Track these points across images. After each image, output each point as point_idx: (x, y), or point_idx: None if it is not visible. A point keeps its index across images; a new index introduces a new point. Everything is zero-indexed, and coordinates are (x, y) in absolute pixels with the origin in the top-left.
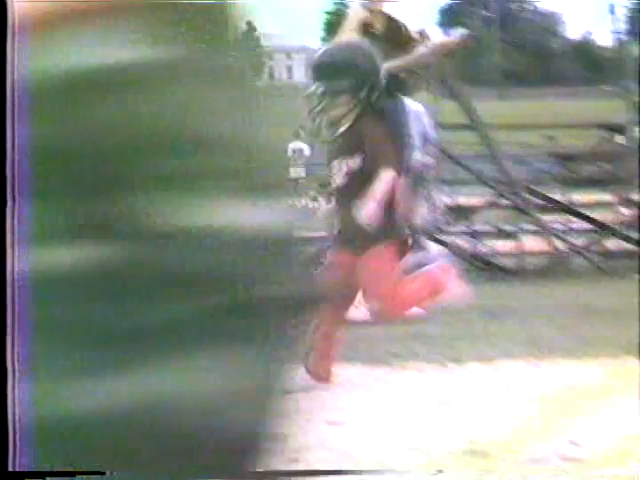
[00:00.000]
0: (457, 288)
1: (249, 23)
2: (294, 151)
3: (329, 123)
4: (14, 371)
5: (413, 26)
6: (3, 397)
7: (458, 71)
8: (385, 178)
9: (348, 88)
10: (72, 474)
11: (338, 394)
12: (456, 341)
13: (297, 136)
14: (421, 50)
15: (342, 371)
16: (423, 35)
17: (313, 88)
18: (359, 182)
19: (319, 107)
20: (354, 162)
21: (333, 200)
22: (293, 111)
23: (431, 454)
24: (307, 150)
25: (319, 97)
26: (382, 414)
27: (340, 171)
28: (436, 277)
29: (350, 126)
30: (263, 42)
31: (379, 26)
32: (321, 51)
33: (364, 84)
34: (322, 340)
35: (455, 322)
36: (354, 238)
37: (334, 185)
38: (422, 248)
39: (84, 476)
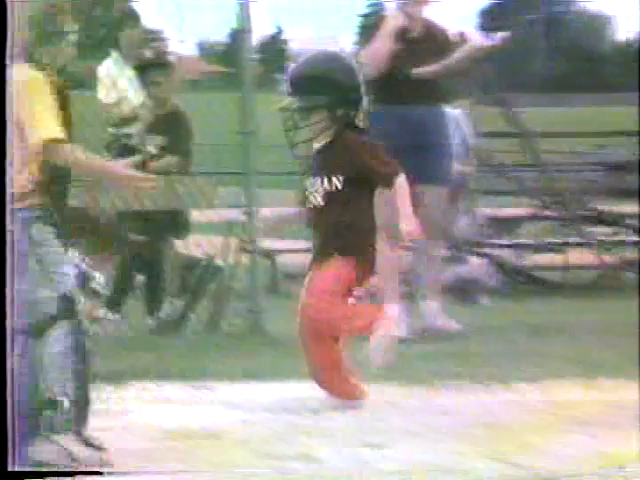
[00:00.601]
0: (388, 335)
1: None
2: None
3: (304, 139)
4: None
5: (451, 29)
6: (3, 397)
7: (501, 76)
8: (404, 187)
9: (324, 105)
10: (72, 474)
11: (377, 414)
12: (500, 359)
13: None
14: (459, 53)
15: (381, 390)
16: (462, 38)
17: (287, 102)
18: (341, 201)
19: (293, 122)
20: (337, 180)
21: (309, 217)
22: None
23: (474, 477)
24: None
25: (293, 112)
26: (423, 436)
27: (320, 188)
28: (375, 317)
29: (330, 143)
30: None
31: (416, 30)
32: (298, 63)
33: (342, 101)
34: (330, 360)
35: (498, 339)
36: (319, 252)
37: (312, 202)
38: (462, 262)
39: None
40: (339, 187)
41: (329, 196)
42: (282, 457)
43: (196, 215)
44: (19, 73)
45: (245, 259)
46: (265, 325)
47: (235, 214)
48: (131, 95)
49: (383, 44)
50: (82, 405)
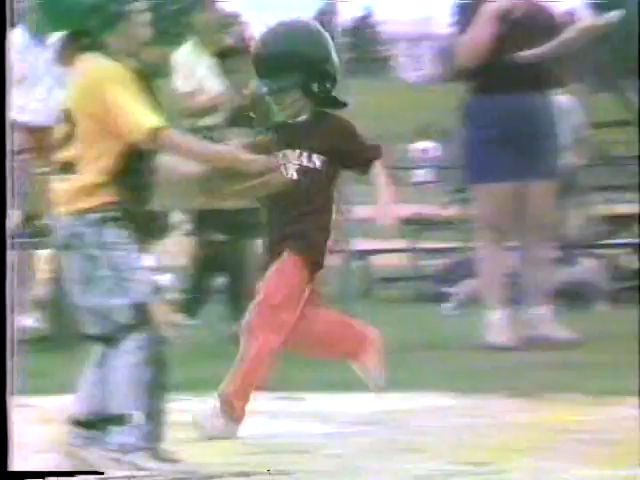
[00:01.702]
0: (372, 363)
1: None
2: (419, 151)
3: (280, 124)
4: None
5: (559, 8)
6: (3, 398)
7: (615, 60)
8: (383, 174)
9: (296, 84)
10: (72, 474)
11: (478, 430)
12: (615, 371)
13: (424, 134)
14: (568, 35)
15: (482, 404)
16: (571, 18)
17: (254, 87)
18: (317, 181)
19: (264, 109)
20: (317, 158)
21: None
22: (419, 106)
23: None
24: (436, 150)
25: (263, 97)
26: (530, 453)
27: (296, 161)
28: (359, 339)
29: (308, 119)
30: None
31: (520, 11)
32: (260, 39)
33: (315, 75)
34: (250, 362)
35: (614, 349)
36: (272, 243)
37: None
38: (573, 264)
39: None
40: (317, 166)
41: (305, 172)
42: (378, 474)
43: None
44: (91, 64)
45: (336, 260)
46: None
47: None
48: (210, 84)
49: (484, 28)
50: (156, 420)
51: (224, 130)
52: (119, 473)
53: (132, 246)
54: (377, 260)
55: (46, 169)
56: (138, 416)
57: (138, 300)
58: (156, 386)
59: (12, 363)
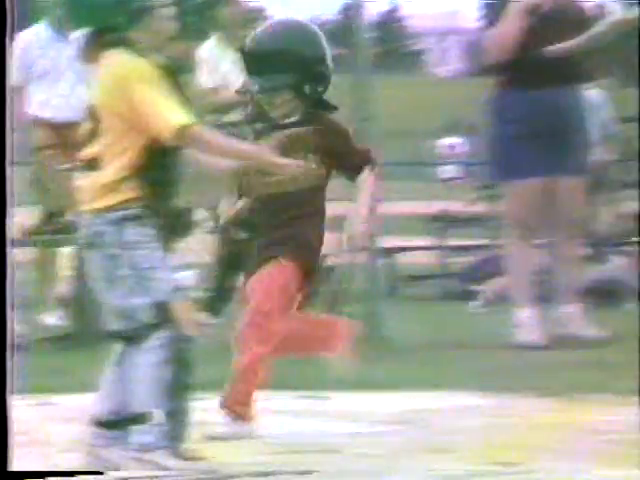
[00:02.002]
0: (345, 353)
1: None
2: (447, 147)
3: (270, 126)
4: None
5: (588, 2)
6: (3, 398)
7: None
8: (371, 181)
9: (288, 84)
10: (72, 474)
11: (508, 430)
12: None
13: (451, 130)
14: (598, 28)
15: (512, 404)
16: (601, 11)
17: (245, 84)
18: (315, 184)
19: (255, 108)
20: (314, 161)
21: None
22: (446, 101)
23: None
24: (464, 145)
25: (254, 96)
26: (561, 454)
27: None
28: (330, 334)
29: (299, 122)
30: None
31: (549, 4)
32: (254, 35)
33: (308, 76)
34: (244, 373)
35: None
36: (262, 246)
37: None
38: (603, 262)
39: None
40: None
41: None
42: (406, 474)
43: None
44: (116, 61)
45: (362, 258)
46: (384, 331)
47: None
48: (234, 79)
49: (513, 22)
50: (178, 419)
51: (247, 126)
52: (121, 473)
53: (154, 244)
54: (403, 258)
55: (69, 165)
56: (159, 415)
57: (160, 299)
58: (177, 385)
59: (12, 363)
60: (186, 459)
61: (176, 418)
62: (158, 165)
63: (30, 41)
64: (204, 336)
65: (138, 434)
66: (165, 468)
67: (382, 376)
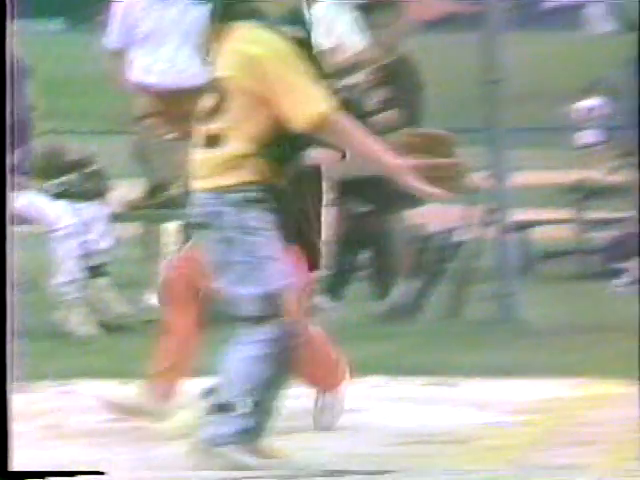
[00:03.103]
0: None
1: None
2: (585, 110)
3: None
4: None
5: None
6: (3, 398)
7: None
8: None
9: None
10: (72, 474)
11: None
12: None
13: (591, 91)
14: None
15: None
16: None
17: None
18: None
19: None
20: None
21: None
22: (586, 60)
23: None
24: (605, 108)
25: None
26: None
27: None
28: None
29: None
30: None
31: None
32: None
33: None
34: (171, 352)
35: None
36: None
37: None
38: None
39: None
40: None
41: None
42: (542, 468)
43: None
44: (247, 34)
45: (492, 233)
46: (517, 312)
47: (480, 179)
48: (351, 41)
49: None
50: (263, 416)
51: (365, 89)
52: (126, 473)
53: (272, 232)
54: (538, 232)
55: (174, 135)
56: (243, 407)
57: (271, 291)
58: (272, 382)
59: (12, 362)
60: (264, 457)
61: (261, 415)
62: (284, 146)
63: (132, 2)
64: (324, 319)
65: (216, 424)
66: (235, 465)
67: (515, 362)
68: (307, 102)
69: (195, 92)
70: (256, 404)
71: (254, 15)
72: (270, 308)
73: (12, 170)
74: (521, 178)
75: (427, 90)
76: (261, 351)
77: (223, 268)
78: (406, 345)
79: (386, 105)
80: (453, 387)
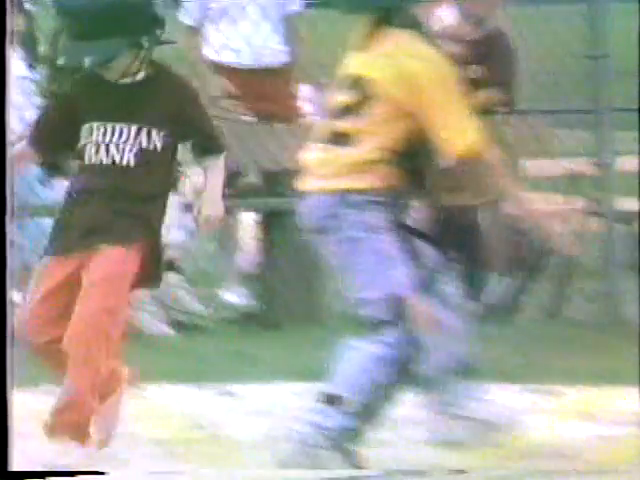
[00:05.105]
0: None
1: None
2: None
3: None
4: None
5: None
6: (3, 398)
7: None
8: (221, 164)
9: (126, 42)
10: (72, 474)
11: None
12: None
13: None
14: None
15: None
16: None
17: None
18: (159, 166)
19: (90, 80)
20: (157, 136)
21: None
22: None
23: None
24: None
25: (91, 67)
26: None
27: (132, 141)
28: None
29: (144, 80)
30: None
31: None
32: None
33: (142, 25)
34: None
35: None
36: (84, 235)
37: (111, 158)
38: None
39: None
40: (158, 147)
41: (145, 157)
42: None
43: (528, 167)
44: (404, 45)
45: (596, 225)
46: (625, 312)
47: (582, 165)
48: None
49: None
50: (365, 421)
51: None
52: (124, 473)
53: (397, 233)
54: None
55: (252, 117)
56: (349, 405)
57: (396, 294)
58: (384, 389)
59: (12, 362)
60: (355, 465)
61: (364, 418)
62: (417, 154)
63: None
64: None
65: (322, 414)
66: (323, 464)
67: (624, 367)
68: (460, 132)
69: (274, 72)
70: (363, 406)
71: (413, 25)
72: (394, 311)
73: None
74: (628, 164)
75: (523, 68)
76: (383, 353)
77: (347, 270)
78: (502, 348)
79: (477, 85)
80: (557, 396)
